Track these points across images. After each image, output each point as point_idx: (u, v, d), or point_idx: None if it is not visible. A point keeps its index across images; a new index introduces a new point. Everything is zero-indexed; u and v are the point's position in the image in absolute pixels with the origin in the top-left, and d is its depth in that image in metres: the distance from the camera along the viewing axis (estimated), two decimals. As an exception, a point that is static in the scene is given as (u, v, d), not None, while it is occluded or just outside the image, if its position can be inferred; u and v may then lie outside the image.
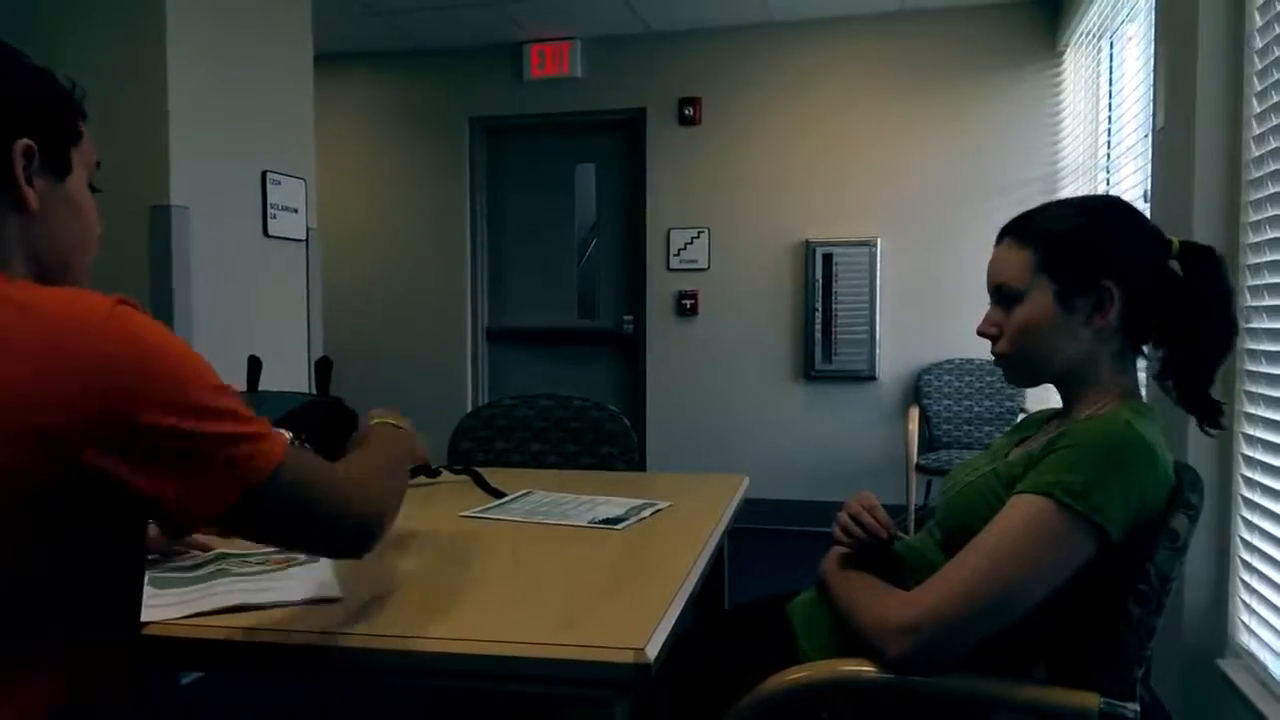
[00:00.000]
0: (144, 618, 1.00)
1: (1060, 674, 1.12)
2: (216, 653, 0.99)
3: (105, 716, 0.86)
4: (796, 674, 1.19)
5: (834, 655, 1.22)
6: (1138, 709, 1.08)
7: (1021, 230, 1.26)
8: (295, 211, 3.29)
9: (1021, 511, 1.11)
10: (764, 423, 4.82)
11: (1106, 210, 1.26)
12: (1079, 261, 1.21)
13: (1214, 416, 1.22)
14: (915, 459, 4.10)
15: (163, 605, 1.05)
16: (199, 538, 1.29)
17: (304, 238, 3.34)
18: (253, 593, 1.08)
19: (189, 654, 1.00)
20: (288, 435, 1.48)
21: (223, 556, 1.26)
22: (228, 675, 2.64)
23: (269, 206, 3.15)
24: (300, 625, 1.00)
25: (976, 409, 4.42)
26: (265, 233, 3.15)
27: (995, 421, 4.35)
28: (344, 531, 0.94)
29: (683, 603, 1.09)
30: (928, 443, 4.38)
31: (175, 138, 2.76)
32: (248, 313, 3.07)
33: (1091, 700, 1.08)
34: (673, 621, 1.02)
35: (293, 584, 1.13)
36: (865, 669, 1.15)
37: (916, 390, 4.54)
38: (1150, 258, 1.22)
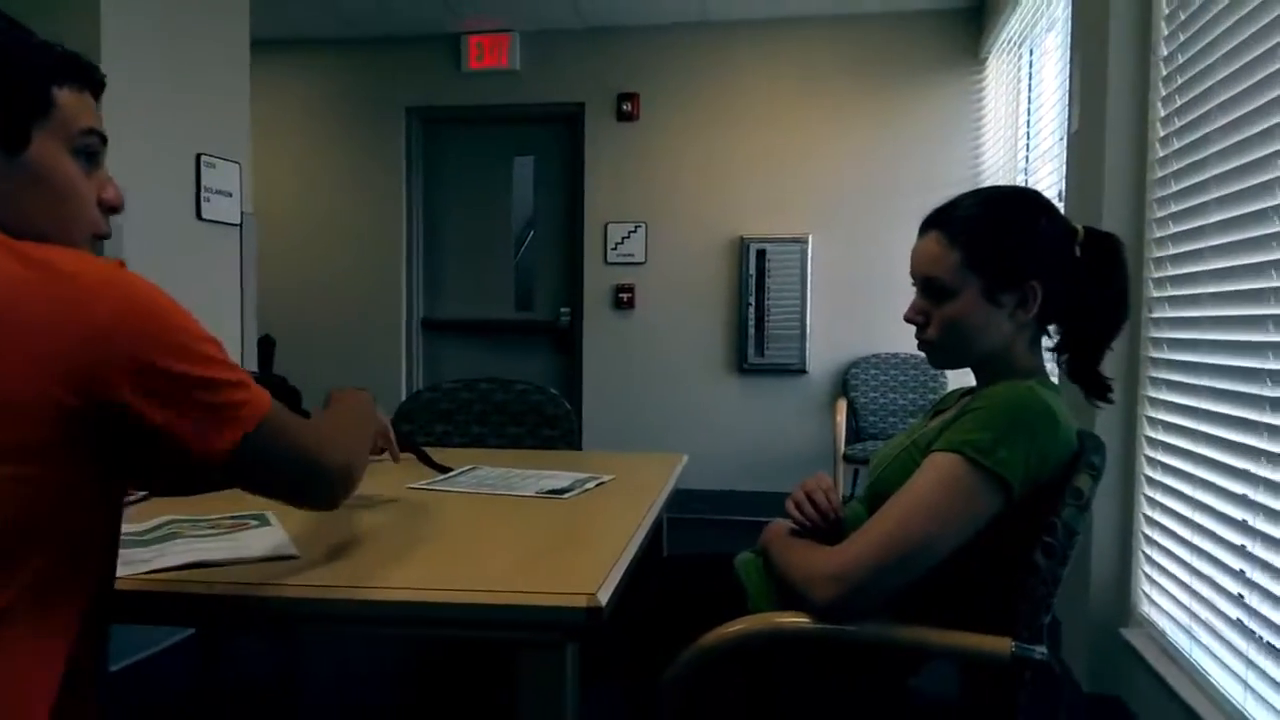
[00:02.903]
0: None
1: (974, 621, 1.21)
2: (182, 606, 1.02)
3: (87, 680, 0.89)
4: (734, 627, 1.25)
5: (778, 609, 1.30)
6: (1045, 650, 1.17)
7: (947, 226, 1.32)
8: (229, 195, 3.25)
9: (934, 468, 1.20)
10: (698, 414, 4.91)
11: (1031, 210, 1.33)
12: (1007, 263, 1.29)
13: (1102, 391, 1.33)
14: (843, 449, 4.24)
15: (121, 564, 1.07)
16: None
17: (238, 222, 3.31)
18: (210, 551, 1.11)
19: (153, 609, 1.02)
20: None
21: (172, 521, 1.27)
22: (194, 644, 2.65)
23: (203, 189, 3.11)
24: (260, 579, 1.03)
25: (901, 401, 4.58)
26: (199, 216, 3.11)
27: (918, 414, 4.51)
28: (323, 480, 0.98)
29: (630, 556, 1.15)
30: (855, 433, 4.52)
31: (108, 117, 2.71)
32: (181, 295, 2.98)
33: (1004, 644, 1.17)
34: (622, 571, 1.08)
35: (248, 543, 1.15)
36: (797, 620, 1.22)
37: (845, 383, 4.68)
38: (1064, 251, 1.32)
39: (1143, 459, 2.35)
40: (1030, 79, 3.91)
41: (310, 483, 0.98)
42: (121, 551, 1.12)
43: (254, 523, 1.27)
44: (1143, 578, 2.34)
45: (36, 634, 0.80)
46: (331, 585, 1.01)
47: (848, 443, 4.31)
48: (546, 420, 2.48)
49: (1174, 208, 2.22)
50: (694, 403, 4.93)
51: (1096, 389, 1.34)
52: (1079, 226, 1.34)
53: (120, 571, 1.04)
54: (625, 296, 4.96)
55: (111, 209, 0.97)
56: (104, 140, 0.96)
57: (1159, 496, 2.24)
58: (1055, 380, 1.37)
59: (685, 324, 4.94)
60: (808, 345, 4.78)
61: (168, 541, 1.16)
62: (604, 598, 0.99)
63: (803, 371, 4.81)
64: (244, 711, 2.51)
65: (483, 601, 0.98)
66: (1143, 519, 2.35)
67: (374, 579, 1.04)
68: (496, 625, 0.99)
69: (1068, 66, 2.91)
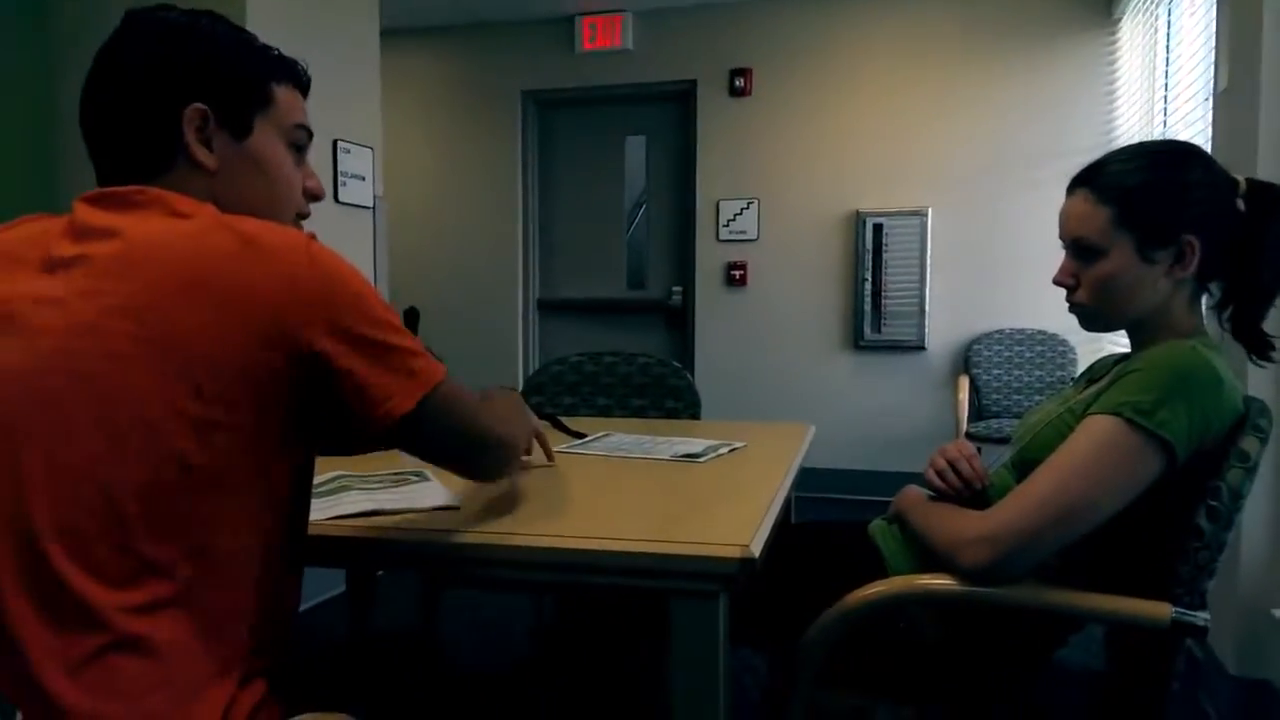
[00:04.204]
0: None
1: (1132, 586, 1.19)
2: (358, 549, 1.10)
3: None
4: (876, 589, 1.26)
5: (917, 573, 1.30)
6: (1208, 617, 1.14)
7: (1097, 184, 1.28)
8: (363, 179, 3.40)
9: (1092, 430, 1.17)
10: (812, 392, 4.88)
11: (1183, 162, 1.28)
12: (1160, 218, 1.24)
13: (1263, 349, 1.28)
14: (965, 427, 4.15)
15: (301, 510, 1.15)
16: None
17: (371, 205, 3.45)
18: (384, 501, 1.18)
19: (333, 551, 1.10)
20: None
21: (342, 476, 1.36)
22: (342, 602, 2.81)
23: (339, 174, 3.27)
24: (429, 526, 1.09)
25: (1026, 379, 4.44)
26: (336, 199, 3.26)
27: (1045, 391, 4.37)
28: (489, 450, 1.08)
29: (776, 513, 1.17)
30: (977, 412, 4.41)
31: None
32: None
33: (1164, 610, 1.14)
34: (770, 526, 1.10)
35: (417, 495, 1.23)
36: (941, 582, 1.22)
37: (966, 360, 4.56)
38: (1224, 203, 1.26)
39: (1299, 433, 2.23)
40: (1169, 39, 3.71)
41: (477, 450, 1.06)
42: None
43: (414, 478, 1.34)
44: (1298, 557, 2.22)
45: (234, 569, 0.88)
46: (496, 533, 1.07)
47: (970, 421, 4.22)
48: (670, 392, 2.52)
49: (1337, 166, 2.09)
50: (808, 380, 4.89)
51: (1259, 347, 1.28)
52: (1240, 178, 1.28)
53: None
54: (738, 274, 4.95)
55: (313, 196, 1.07)
56: (310, 135, 1.06)
57: (1318, 472, 2.13)
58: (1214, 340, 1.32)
59: (799, 300, 4.90)
60: (927, 321, 4.68)
61: (341, 493, 1.24)
62: (756, 549, 1.01)
63: (921, 348, 4.71)
64: (387, 662, 2.65)
65: (639, 550, 1.02)
66: (1298, 496, 2.23)
67: (534, 529, 1.09)
68: (652, 574, 1.02)
69: (1213, 22, 2.76)
